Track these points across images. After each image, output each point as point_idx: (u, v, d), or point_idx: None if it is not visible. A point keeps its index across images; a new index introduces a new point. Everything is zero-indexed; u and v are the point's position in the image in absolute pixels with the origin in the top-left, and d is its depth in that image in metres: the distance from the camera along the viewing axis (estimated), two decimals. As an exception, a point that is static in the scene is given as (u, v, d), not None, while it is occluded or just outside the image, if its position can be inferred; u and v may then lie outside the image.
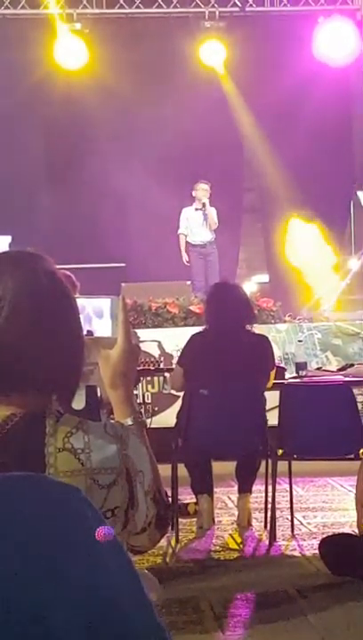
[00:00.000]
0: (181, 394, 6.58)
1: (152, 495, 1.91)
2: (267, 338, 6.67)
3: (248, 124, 13.72)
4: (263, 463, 6.41)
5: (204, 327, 6.64)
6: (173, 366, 7.17)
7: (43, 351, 1.86)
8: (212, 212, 12.37)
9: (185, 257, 12.51)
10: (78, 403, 2.01)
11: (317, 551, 5.48)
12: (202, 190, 12.37)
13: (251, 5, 12.62)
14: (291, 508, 6.35)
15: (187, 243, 12.54)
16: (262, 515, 6.48)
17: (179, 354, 6.72)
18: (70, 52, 12.33)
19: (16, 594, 0.93)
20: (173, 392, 7.92)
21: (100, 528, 1.03)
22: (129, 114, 13.08)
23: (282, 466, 6.26)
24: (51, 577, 0.94)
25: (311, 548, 5.75)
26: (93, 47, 12.42)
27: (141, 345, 7.45)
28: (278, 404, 6.35)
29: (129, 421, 1.98)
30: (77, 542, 0.99)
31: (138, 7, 12.44)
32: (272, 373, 6.44)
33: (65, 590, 0.93)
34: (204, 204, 12.37)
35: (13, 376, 1.86)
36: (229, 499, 7.12)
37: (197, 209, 12.46)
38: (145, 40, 12.67)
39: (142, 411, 8.75)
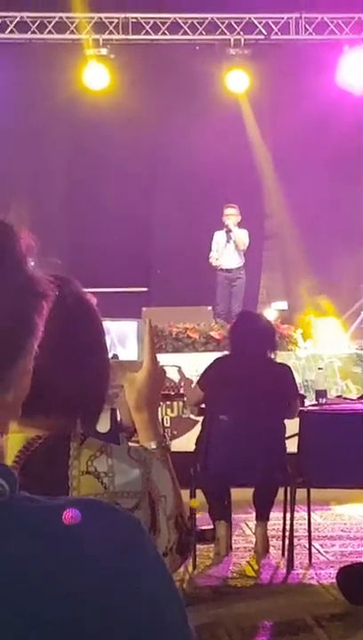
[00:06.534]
0: (201, 419, 6.59)
1: (174, 520, 1.89)
2: (289, 367, 6.67)
3: (269, 151, 13.74)
4: (281, 490, 6.38)
5: (225, 353, 6.64)
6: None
7: (69, 374, 1.84)
8: (240, 233, 12.26)
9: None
10: (103, 425, 2.00)
11: (334, 580, 5.46)
12: (227, 214, 12.32)
13: (276, 33, 12.66)
14: (309, 535, 6.32)
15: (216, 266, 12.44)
16: (280, 542, 6.45)
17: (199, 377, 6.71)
18: (97, 77, 12.40)
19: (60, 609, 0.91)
20: (191, 416, 7.90)
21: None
22: (153, 139, 13.15)
23: (300, 493, 6.23)
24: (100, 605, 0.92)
25: (329, 576, 5.71)
26: (119, 72, 12.48)
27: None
28: (297, 431, 6.33)
29: (153, 445, 1.97)
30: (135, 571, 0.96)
31: (164, 33, 12.49)
32: (296, 402, 6.42)
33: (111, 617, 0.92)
34: (227, 227, 12.30)
35: (38, 398, 1.84)
36: (247, 525, 7.09)
37: (226, 232, 12.37)
38: (170, 66, 12.72)
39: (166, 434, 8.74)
